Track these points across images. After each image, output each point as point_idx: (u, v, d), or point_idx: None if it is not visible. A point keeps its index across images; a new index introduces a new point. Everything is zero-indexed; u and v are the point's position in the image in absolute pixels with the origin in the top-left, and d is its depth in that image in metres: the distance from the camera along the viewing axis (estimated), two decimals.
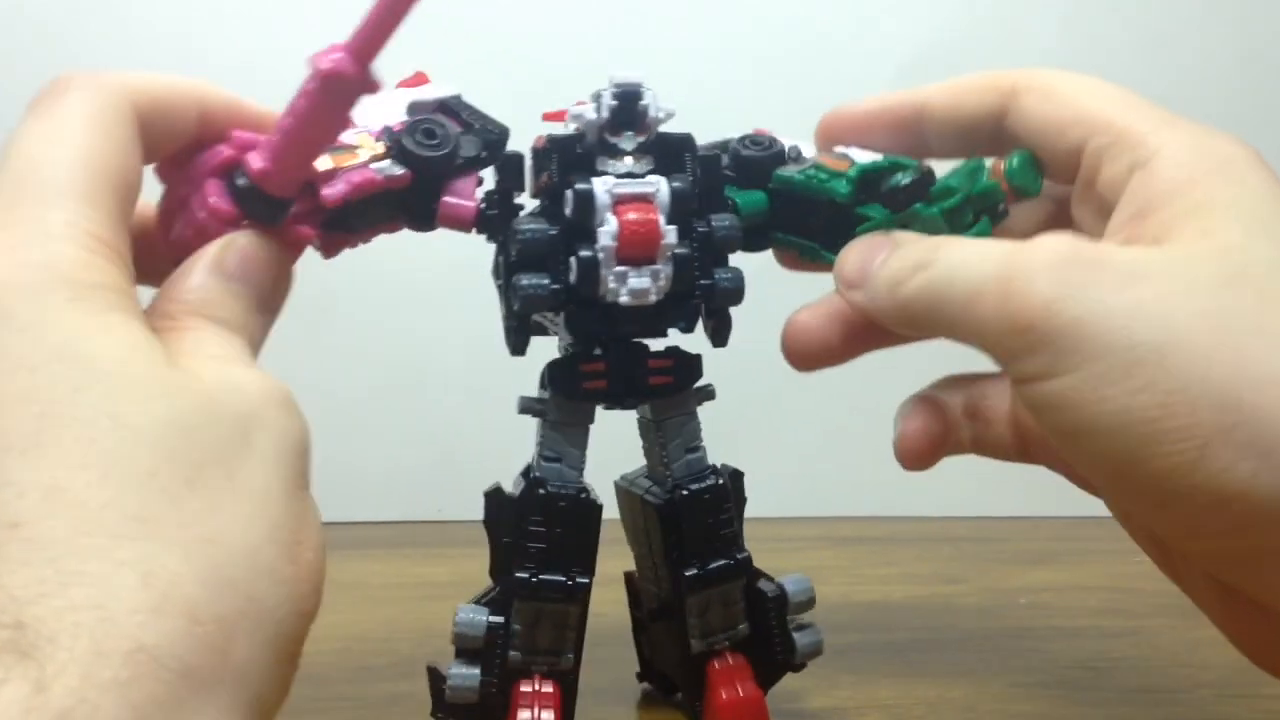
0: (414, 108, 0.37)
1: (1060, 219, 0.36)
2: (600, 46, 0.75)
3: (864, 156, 0.38)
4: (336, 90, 0.29)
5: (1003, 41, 0.79)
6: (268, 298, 0.31)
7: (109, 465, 0.23)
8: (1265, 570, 0.28)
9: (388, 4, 0.28)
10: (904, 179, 0.36)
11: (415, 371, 0.78)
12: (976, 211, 0.36)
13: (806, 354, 0.36)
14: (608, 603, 0.45)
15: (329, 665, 0.48)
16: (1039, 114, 0.35)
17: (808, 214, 0.38)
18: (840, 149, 0.38)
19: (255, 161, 0.31)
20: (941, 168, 0.37)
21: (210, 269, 0.30)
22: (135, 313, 0.27)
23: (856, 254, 0.34)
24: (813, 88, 0.77)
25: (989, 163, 0.37)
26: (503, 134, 0.37)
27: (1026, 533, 0.66)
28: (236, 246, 0.31)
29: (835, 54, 0.79)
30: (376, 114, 0.36)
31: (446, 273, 0.72)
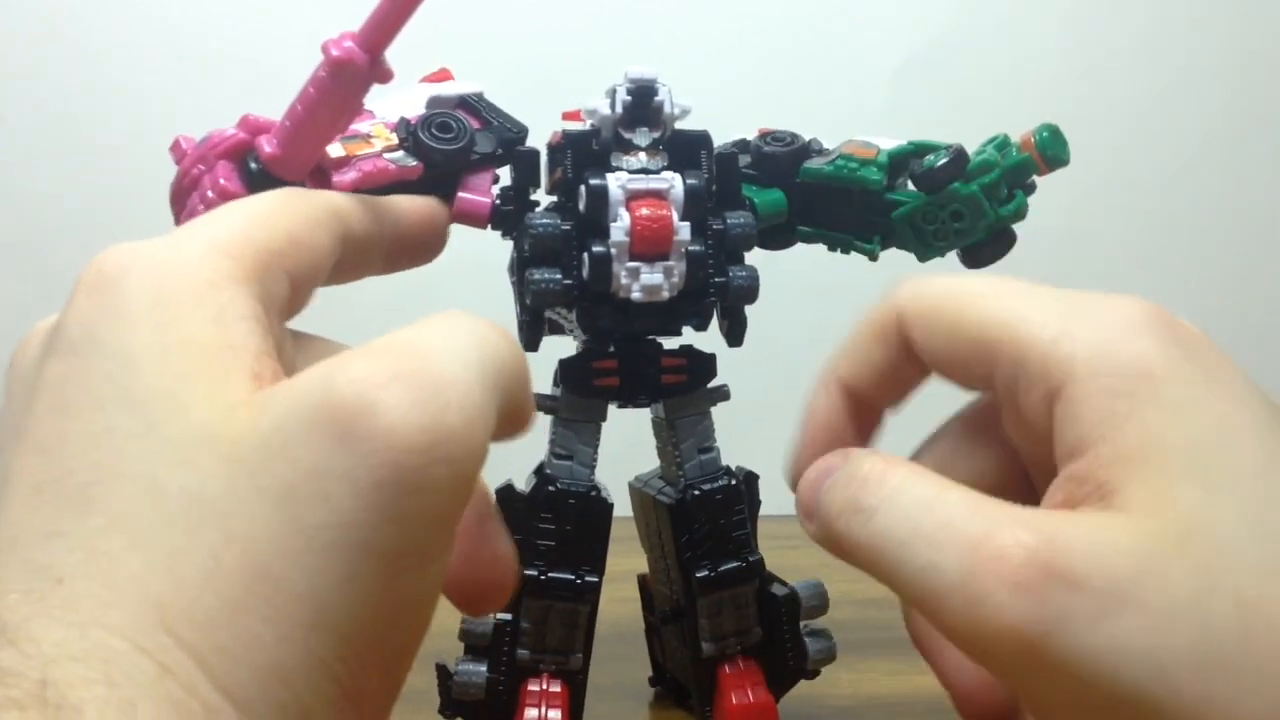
0: (434, 102, 0.37)
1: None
2: (600, 46, 0.74)
3: (890, 142, 0.37)
4: (347, 78, 0.30)
5: (1002, 41, 0.78)
6: None
7: (141, 534, 0.21)
8: None
9: (393, 5, 0.28)
10: (936, 160, 0.36)
11: None
12: (1010, 186, 0.36)
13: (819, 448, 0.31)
14: (623, 604, 0.45)
15: None
16: (932, 352, 0.30)
17: (839, 205, 0.38)
18: (863, 137, 0.38)
19: (267, 145, 0.31)
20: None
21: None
22: (225, 322, 0.24)
23: (809, 476, 0.29)
24: (812, 88, 0.77)
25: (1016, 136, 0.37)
26: (521, 132, 0.37)
27: None
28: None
29: (835, 54, 0.79)
30: (396, 106, 0.36)
31: (447, 272, 0.73)
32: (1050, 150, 0.36)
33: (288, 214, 0.27)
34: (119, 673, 0.20)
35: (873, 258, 0.37)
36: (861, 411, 0.31)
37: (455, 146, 0.35)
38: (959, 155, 0.36)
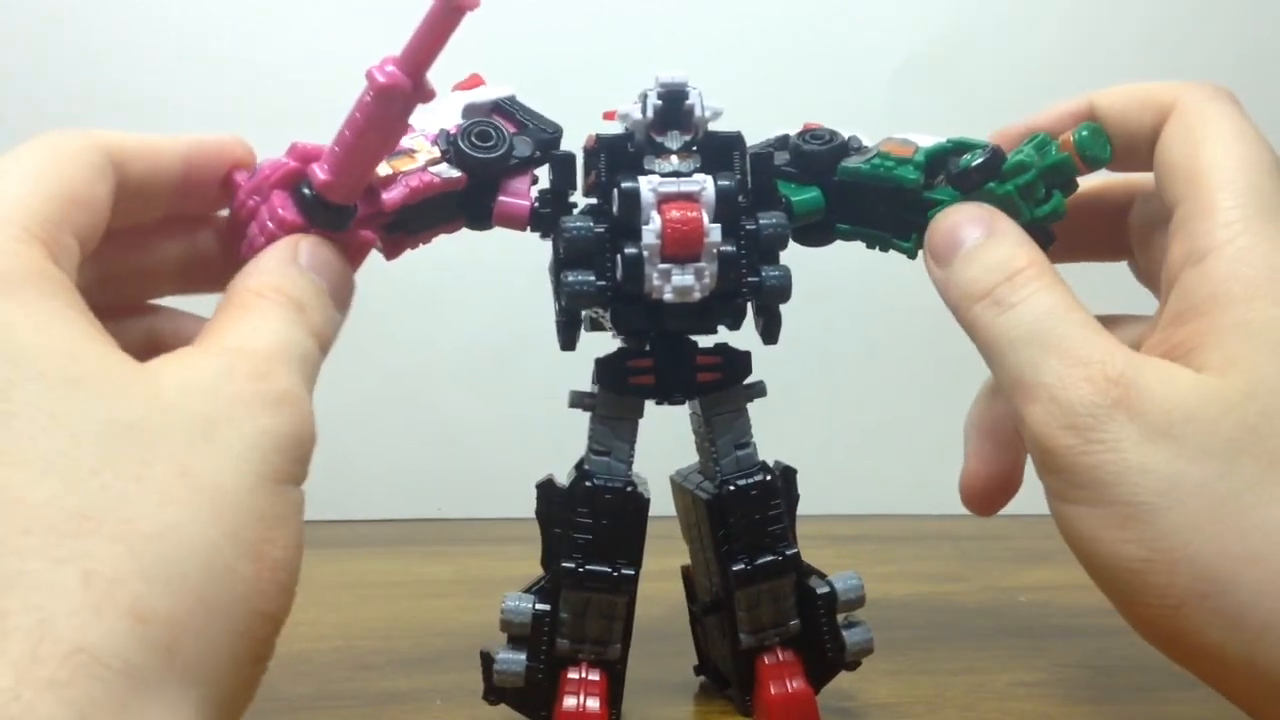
0: (469, 110, 0.38)
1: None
2: (600, 46, 0.75)
3: (927, 140, 0.38)
4: (392, 102, 0.30)
5: (1002, 41, 0.78)
6: (338, 295, 0.32)
7: (49, 463, 0.22)
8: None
9: (438, 15, 0.29)
10: (973, 159, 0.36)
11: (416, 370, 0.78)
12: (1049, 186, 0.36)
13: (991, 501, 0.38)
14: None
15: (329, 663, 0.49)
16: (1167, 149, 0.34)
17: (876, 203, 0.38)
18: (901, 135, 0.38)
19: (319, 173, 0.32)
20: None
21: (282, 255, 0.31)
22: (75, 305, 0.26)
23: (947, 226, 0.35)
24: (812, 88, 0.77)
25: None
26: (556, 133, 0.38)
27: (1028, 531, 0.63)
28: (305, 242, 0.32)
29: (835, 54, 0.78)
30: (433, 118, 0.37)
31: (448, 273, 0.73)
32: (1090, 150, 0.35)
33: (61, 172, 0.28)
34: (35, 595, 0.21)
35: (911, 255, 0.37)
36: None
37: (495, 155, 0.36)
38: (994, 155, 0.35)
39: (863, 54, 0.79)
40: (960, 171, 0.36)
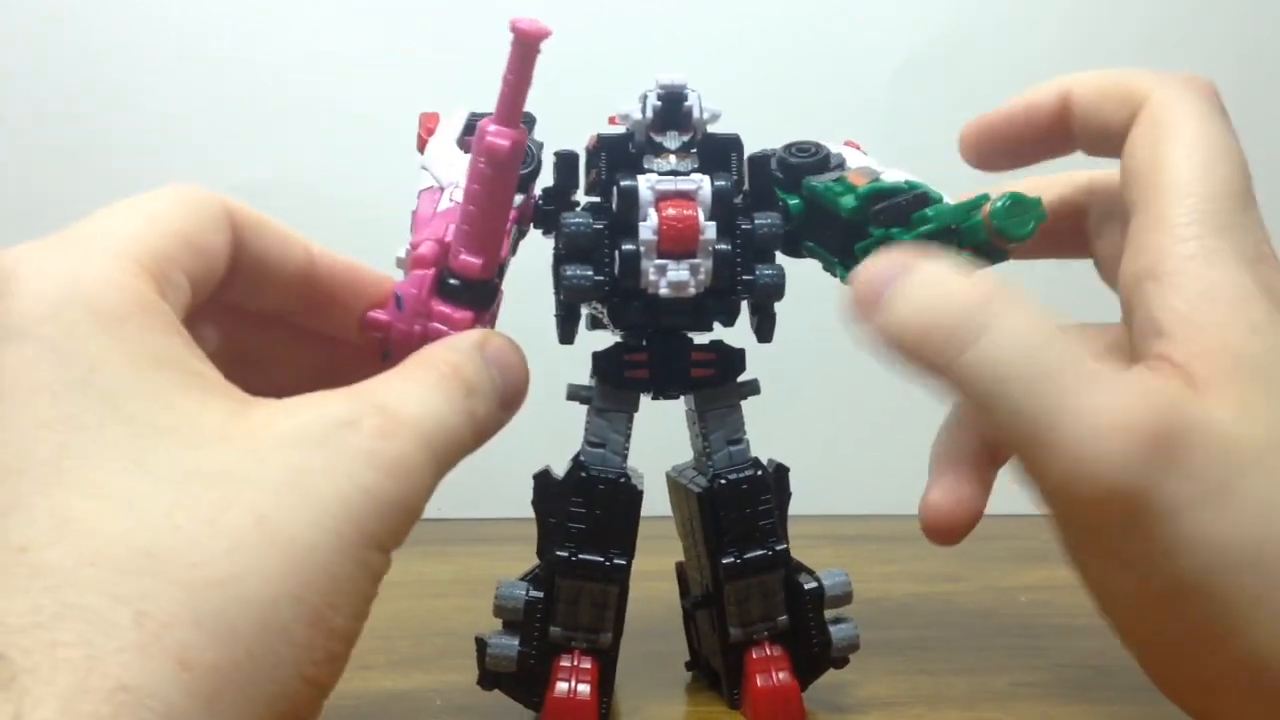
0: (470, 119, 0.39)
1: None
2: (599, 46, 0.75)
3: (896, 175, 0.38)
4: (509, 162, 0.31)
5: (1002, 41, 0.79)
6: (510, 396, 0.31)
7: (128, 501, 0.23)
8: None
9: (519, 55, 0.30)
10: (892, 201, 0.36)
11: None
12: (963, 246, 0.35)
13: (953, 530, 0.35)
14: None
15: None
16: (1133, 149, 0.33)
17: (827, 226, 0.38)
18: (875, 166, 0.39)
19: (468, 261, 0.32)
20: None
21: (473, 340, 0.30)
22: (177, 343, 0.26)
23: (867, 274, 0.30)
24: (812, 88, 0.77)
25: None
26: (528, 120, 0.38)
27: (1027, 531, 0.63)
28: (497, 338, 0.31)
29: (835, 54, 0.79)
30: (442, 158, 0.38)
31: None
32: (999, 222, 0.34)
33: (174, 213, 0.28)
34: (89, 629, 0.21)
35: (845, 281, 0.37)
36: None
37: (529, 170, 0.38)
38: (909, 203, 0.36)
39: (863, 54, 0.79)
40: (875, 210, 0.36)
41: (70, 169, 0.76)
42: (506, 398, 0.30)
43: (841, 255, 0.38)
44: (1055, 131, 0.36)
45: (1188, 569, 0.26)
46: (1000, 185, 0.36)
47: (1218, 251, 0.29)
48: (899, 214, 0.36)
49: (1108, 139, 0.34)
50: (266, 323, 0.34)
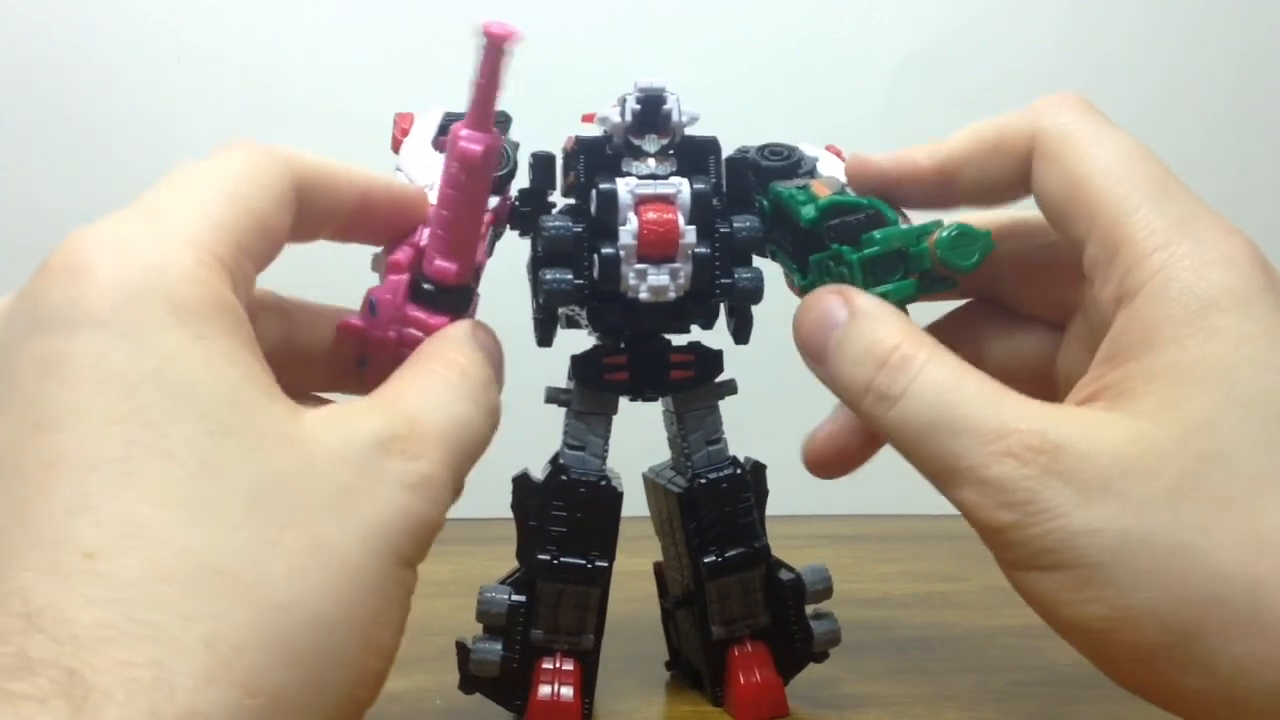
0: (446, 119, 0.39)
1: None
2: (599, 46, 0.75)
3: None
4: (482, 167, 0.31)
5: (1003, 41, 0.79)
6: (497, 378, 0.32)
7: (197, 512, 0.22)
8: None
9: (489, 59, 0.30)
10: (846, 219, 0.36)
11: None
12: (909, 271, 0.35)
13: (826, 465, 0.40)
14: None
15: None
16: (1046, 191, 0.33)
17: (789, 231, 0.38)
18: (842, 177, 0.38)
19: (443, 266, 0.32)
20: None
21: (465, 331, 0.31)
22: (248, 344, 0.25)
23: (808, 325, 0.34)
24: (812, 87, 0.77)
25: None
26: (503, 119, 0.39)
27: None
28: (480, 328, 0.32)
29: (835, 54, 0.79)
30: (417, 160, 0.37)
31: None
32: (943, 253, 0.34)
33: (252, 196, 0.28)
34: (159, 649, 0.21)
35: (801, 295, 0.37)
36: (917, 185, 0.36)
37: (505, 170, 0.38)
38: (860, 223, 0.36)
39: (863, 54, 0.79)
40: (828, 225, 0.36)
41: (70, 169, 0.76)
42: (499, 385, 0.32)
43: (800, 262, 0.38)
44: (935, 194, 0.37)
45: (1083, 559, 0.28)
46: (956, 214, 0.36)
47: (1183, 262, 0.30)
48: (849, 232, 0.36)
49: (1006, 189, 0.35)
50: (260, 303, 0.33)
